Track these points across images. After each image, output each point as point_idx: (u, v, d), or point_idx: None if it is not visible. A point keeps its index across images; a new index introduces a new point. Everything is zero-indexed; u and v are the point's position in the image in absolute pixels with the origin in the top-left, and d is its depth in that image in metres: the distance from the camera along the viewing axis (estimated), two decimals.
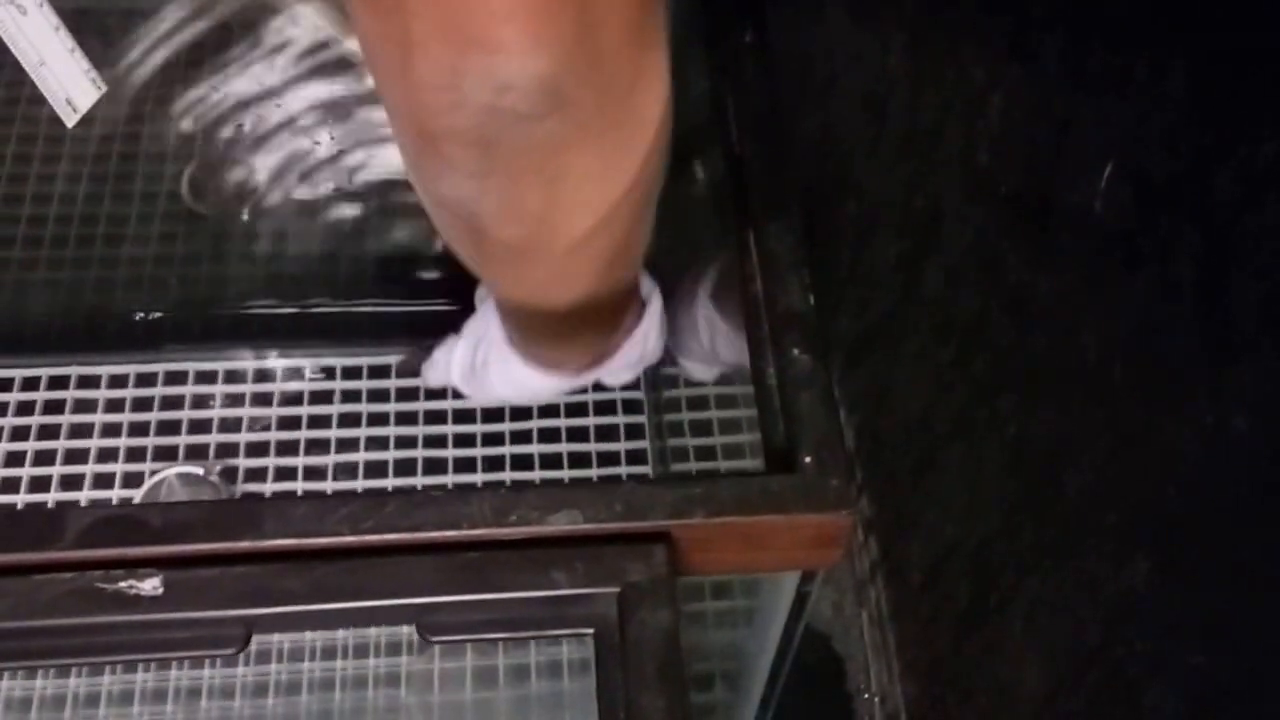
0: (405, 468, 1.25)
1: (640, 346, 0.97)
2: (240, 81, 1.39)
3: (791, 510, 0.77)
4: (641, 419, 1.30)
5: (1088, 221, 0.67)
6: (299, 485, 1.24)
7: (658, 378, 1.27)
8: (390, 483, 1.24)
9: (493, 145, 0.66)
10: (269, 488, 1.23)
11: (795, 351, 0.82)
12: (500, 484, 1.22)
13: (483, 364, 1.02)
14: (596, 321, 0.91)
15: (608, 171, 0.73)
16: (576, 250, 0.77)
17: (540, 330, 0.92)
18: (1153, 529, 0.65)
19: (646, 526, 0.75)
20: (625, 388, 1.30)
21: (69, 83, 0.98)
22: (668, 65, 0.71)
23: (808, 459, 0.78)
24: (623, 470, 1.28)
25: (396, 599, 0.74)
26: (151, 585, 0.72)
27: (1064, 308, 0.73)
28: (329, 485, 1.24)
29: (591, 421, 1.30)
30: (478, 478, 1.26)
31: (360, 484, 1.24)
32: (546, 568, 0.74)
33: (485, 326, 1.03)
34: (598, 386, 1.29)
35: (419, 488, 1.23)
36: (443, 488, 1.23)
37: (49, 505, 1.21)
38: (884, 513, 1.09)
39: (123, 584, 0.72)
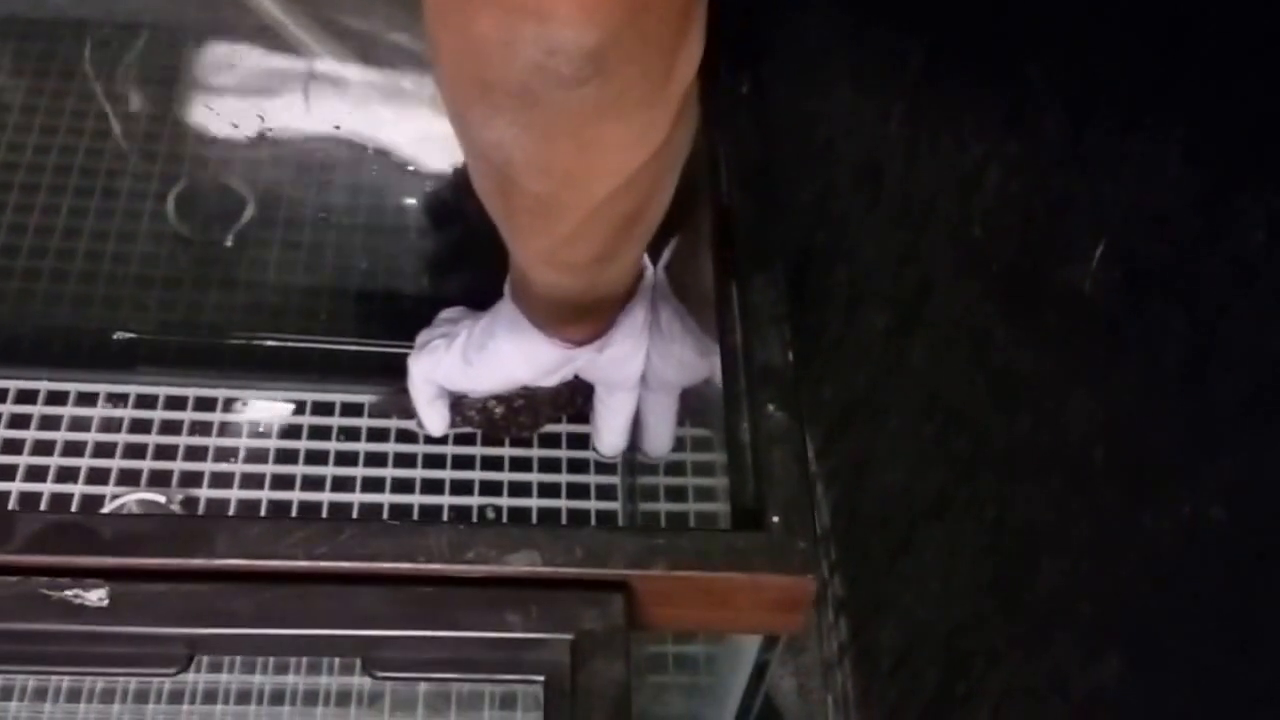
0: (370, 511, 1.23)
1: (631, 321, 1.00)
2: (233, 104, 1.39)
3: (756, 569, 0.76)
4: (614, 479, 1.29)
5: (1077, 302, 0.67)
6: None
7: (635, 464, 1.26)
8: None
9: (536, 102, 0.71)
10: None
11: (771, 408, 0.81)
12: (460, 520, 1.20)
13: (487, 340, 1.04)
14: (604, 288, 0.95)
15: (636, 140, 0.77)
16: (598, 209, 0.82)
17: (552, 295, 0.95)
18: (1126, 623, 0.64)
19: (606, 574, 0.74)
20: (600, 470, 1.29)
21: None
22: (703, 45, 0.75)
23: (776, 518, 0.77)
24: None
25: (345, 629, 0.73)
26: (97, 596, 0.71)
27: (1048, 388, 0.72)
28: None
29: (564, 479, 1.28)
30: None
31: None
32: (501, 609, 0.73)
33: (476, 317, 1.06)
34: (573, 466, 1.28)
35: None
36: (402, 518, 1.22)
37: None
38: (856, 594, 1.08)
39: (68, 592, 0.71)
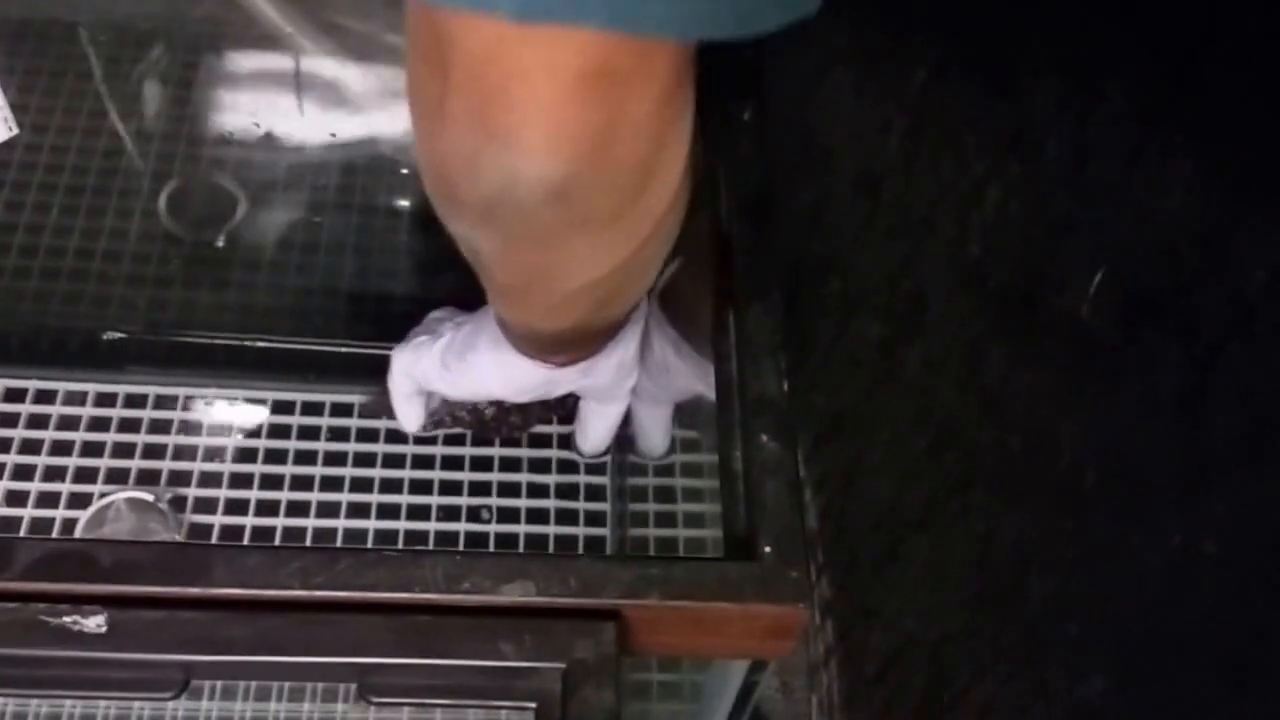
0: (359, 510, 1.23)
1: (622, 349, 0.99)
2: (227, 104, 1.38)
3: (748, 599, 0.76)
4: (604, 479, 1.29)
5: (1073, 326, 0.67)
6: (249, 520, 1.22)
7: (624, 465, 1.27)
8: (341, 524, 1.23)
9: (498, 217, 0.70)
10: (218, 520, 1.22)
11: (764, 438, 0.81)
12: (455, 549, 1.20)
13: (467, 350, 1.03)
14: (590, 333, 0.95)
15: (604, 251, 0.77)
16: (571, 297, 0.82)
17: (534, 334, 0.95)
18: (1112, 645, 0.64)
19: (598, 604, 0.75)
20: (590, 470, 1.29)
21: None
22: (686, 158, 0.74)
23: (768, 548, 0.77)
24: (580, 530, 1.27)
25: (341, 657, 0.73)
26: (95, 623, 0.72)
27: (1042, 409, 0.72)
28: (280, 522, 1.22)
29: (553, 479, 1.28)
30: (431, 526, 1.24)
31: (311, 523, 1.22)
32: (494, 638, 0.73)
33: (459, 324, 1.06)
34: (562, 467, 1.28)
35: (372, 546, 1.21)
36: (395, 548, 1.21)
37: None
38: (843, 598, 1.08)
39: (67, 619, 0.72)
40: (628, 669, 1.10)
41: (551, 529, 1.25)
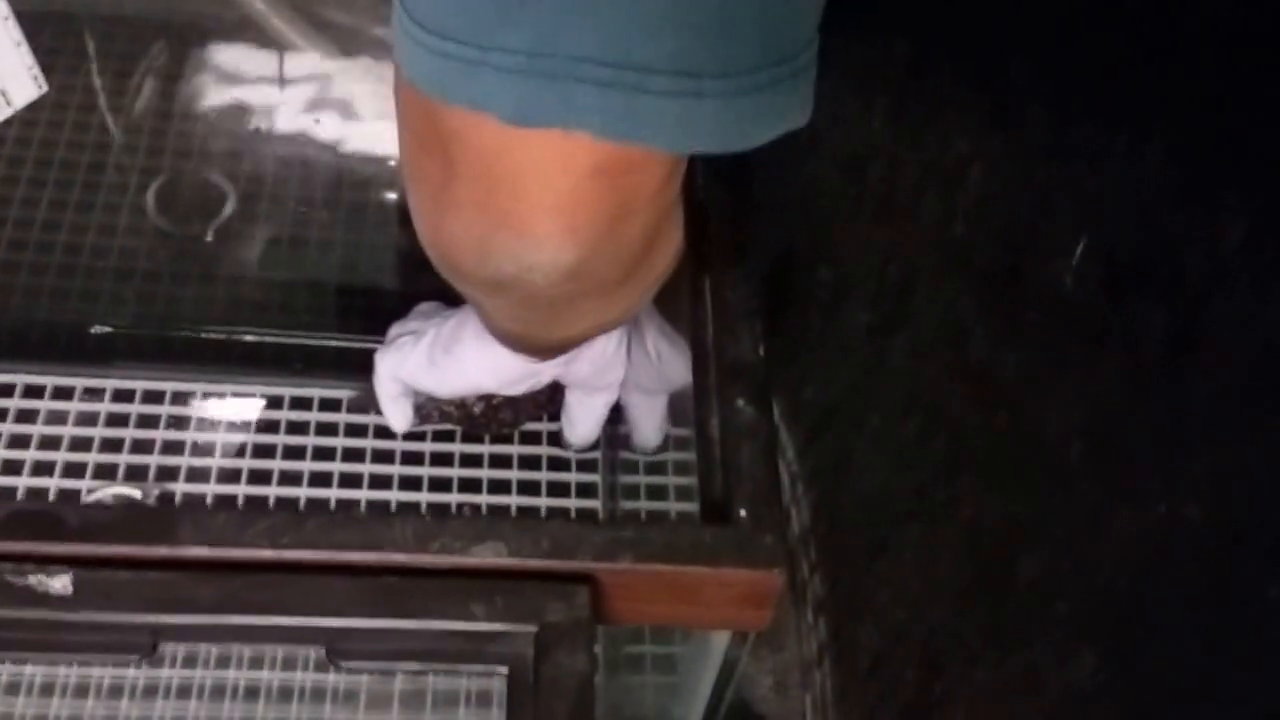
0: (347, 508, 1.23)
1: (604, 340, 0.99)
2: (215, 98, 1.38)
3: (722, 563, 0.75)
4: (595, 477, 1.28)
5: (1057, 297, 0.67)
6: None
7: (616, 463, 1.26)
8: None
9: (507, 293, 0.71)
10: None
11: (740, 402, 0.81)
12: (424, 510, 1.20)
13: (454, 344, 1.03)
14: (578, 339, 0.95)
15: (610, 306, 0.79)
16: (569, 339, 0.88)
17: (523, 342, 0.95)
18: (1101, 620, 0.64)
19: (571, 566, 0.74)
20: (581, 467, 1.28)
21: (7, 75, 0.97)
22: (682, 220, 0.77)
23: (743, 513, 0.77)
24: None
25: (309, 618, 0.72)
26: (61, 583, 0.71)
27: (1027, 386, 0.72)
28: None
29: (544, 476, 1.27)
30: None
31: None
32: (465, 600, 0.73)
33: (449, 315, 1.06)
34: (553, 464, 1.28)
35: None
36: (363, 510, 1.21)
37: None
38: (835, 594, 1.08)
39: (32, 579, 0.71)
40: (620, 641, 1.10)
41: (543, 512, 1.25)
